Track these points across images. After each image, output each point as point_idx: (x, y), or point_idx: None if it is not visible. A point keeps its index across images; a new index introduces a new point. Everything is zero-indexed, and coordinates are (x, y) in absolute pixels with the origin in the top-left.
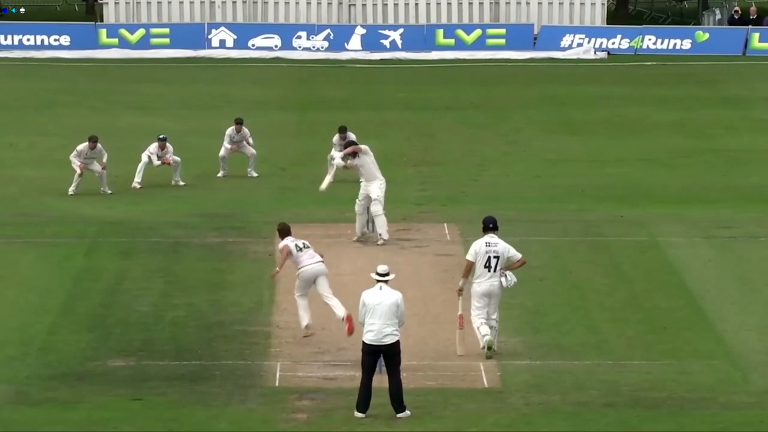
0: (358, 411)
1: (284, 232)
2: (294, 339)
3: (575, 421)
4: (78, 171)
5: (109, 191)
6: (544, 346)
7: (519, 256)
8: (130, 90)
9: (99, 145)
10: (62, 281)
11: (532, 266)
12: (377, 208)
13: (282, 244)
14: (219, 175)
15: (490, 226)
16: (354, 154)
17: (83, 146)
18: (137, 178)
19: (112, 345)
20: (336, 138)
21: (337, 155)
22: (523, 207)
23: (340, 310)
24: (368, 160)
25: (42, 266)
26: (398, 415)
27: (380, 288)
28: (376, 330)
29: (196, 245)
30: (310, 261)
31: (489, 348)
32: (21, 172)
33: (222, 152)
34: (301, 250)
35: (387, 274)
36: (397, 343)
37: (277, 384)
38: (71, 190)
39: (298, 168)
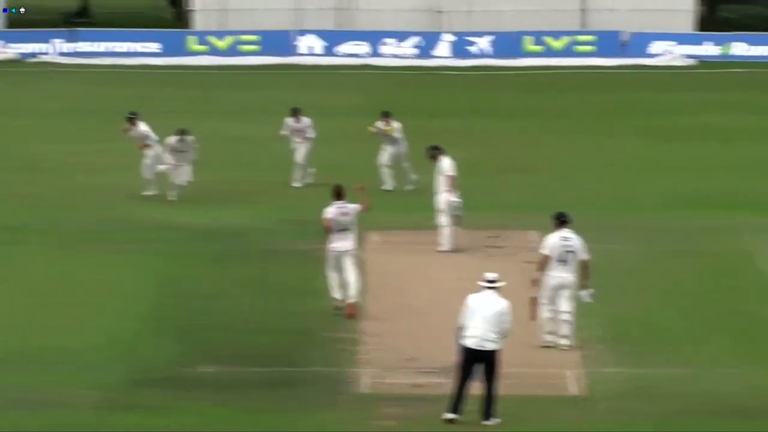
0: (448, 411)
1: (335, 194)
2: (382, 346)
3: (663, 430)
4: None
5: (174, 197)
6: (631, 355)
7: (587, 256)
8: (217, 97)
9: (189, 137)
10: (151, 287)
11: (621, 273)
12: (444, 220)
13: (329, 212)
14: (295, 185)
15: (564, 220)
16: (434, 158)
17: (173, 139)
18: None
19: (199, 351)
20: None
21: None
22: (612, 214)
23: (351, 292)
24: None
25: (131, 272)
26: (483, 423)
27: (487, 294)
28: (479, 335)
29: (285, 252)
30: (339, 243)
31: (557, 345)
32: (110, 178)
33: (297, 157)
34: (339, 231)
35: (495, 281)
36: (497, 351)
37: (365, 391)
38: (173, 194)
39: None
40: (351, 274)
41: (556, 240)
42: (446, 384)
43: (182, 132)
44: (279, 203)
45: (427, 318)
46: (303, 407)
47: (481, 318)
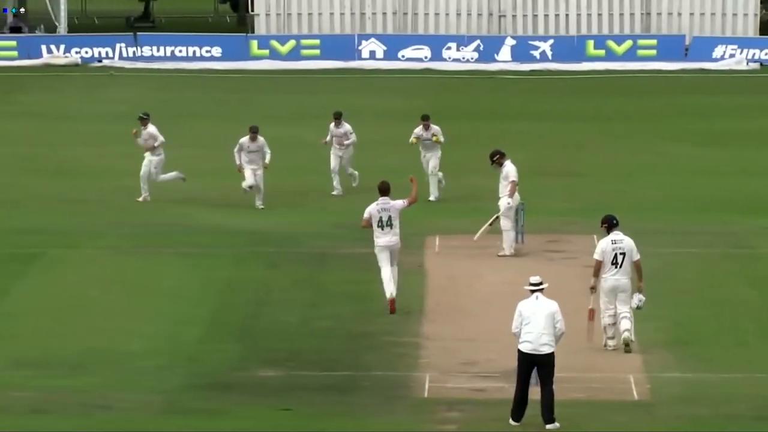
0: (513, 420)
1: (381, 190)
2: (443, 350)
3: None
4: (239, 170)
5: (261, 205)
6: (693, 359)
7: (638, 256)
8: (278, 101)
9: (261, 138)
10: (211, 291)
11: (679, 278)
12: (506, 224)
13: (368, 209)
14: (333, 193)
15: (614, 223)
16: (500, 163)
17: (244, 139)
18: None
19: (260, 355)
20: (419, 129)
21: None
22: (670, 218)
23: (391, 287)
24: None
25: (191, 276)
26: (548, 427)
27: (536, 298)
28: (533, 340)
29: (343, 256)
30: (382, 238)
31: (627, 345)
32: (166, 183)
33: (333, 164)
34: (382, 227)
35: (540, 284)
36: (553, 353)
37: (426, 395)
38: (244, 185)
39: (444, 179)
40: (390, 269)
41: (607, 244)
42: (507, 389)
43: (254, 131)
44: (336, 208)
45: (488, 322)
46: (363, 412)
47: (534, 322)
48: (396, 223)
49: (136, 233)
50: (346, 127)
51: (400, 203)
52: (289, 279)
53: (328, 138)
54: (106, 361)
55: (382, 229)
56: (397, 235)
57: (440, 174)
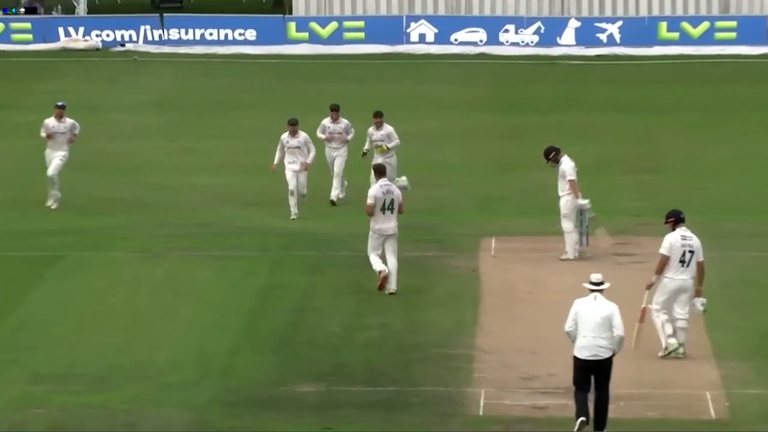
0: (579, 416)
1: (378, 172)
2: (499, 364)
3: None
4: (273, 169)
5: (295, 214)
6: None
7: (703, 258)
8: (318, 89)
9: (302, 133)
10: (244, 298)
11: (763, 285)
12: (568, 225)
13: (372, 192)
14: (335, 197)
15: (681, 217)
16: (556, 161)
17: (285, 134)
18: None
19: (299, 368)
20: (371, 128)
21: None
22: (753, 219)
23: (392, 283)
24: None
25: (222, 282)
26: None
27: (594, 298)
28: (589, 345)
29: None
30: (383, 224)
31: (675, 350)
32: (200, 179)
33: (336, 167)
34: (383, 210)
35: (601, 283)
36: (610, 359)
37: (480, 413)
38: (294, 211)
39: (501, 176)
40: (392, 260)
41: (676, 239)
42: (570, 406)
43: (293, 123)
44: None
45: (549, 333)
46: (412, 431)
47: (591, 324)
48: (396, 208)
49: (166, 234)
50: (345, 122)
51: (400, 192)
52: (330, 285)
53: (321, 134)
54: (130, 375)
55: (383, 213)
56: (396, 219)
57: (404, 179)
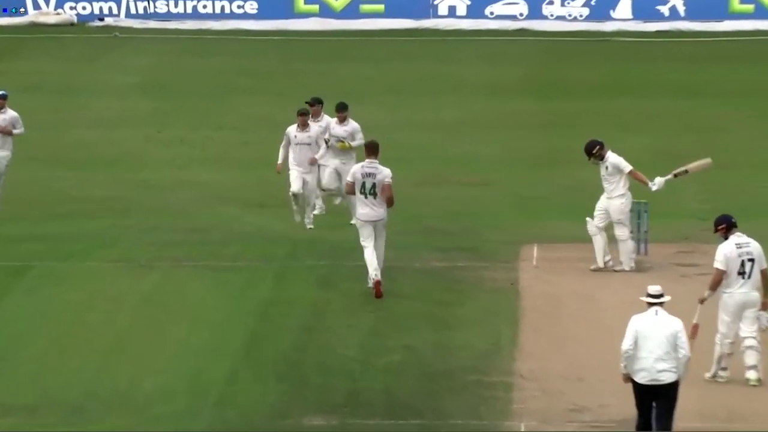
0: None
1: (368, 149)
2: (542, 392)
3: None
4: (278, 169)
5: (310, 224)
6: None
7: (767, 264)
8: (329, 71)
9: (314, 125)
10: (244, 316)
11: None
12: (623, 232)
13: (352, 170)
14: (315, 212)
15: (733, 223)
16: (601, 157)
17: (291, 127)
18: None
19: (307, 398)
20: (333, 122)
21: (658, 180)
22: None
23: (372, 269)
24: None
25: (219, 296)
26: None
27: (655, 313)
28: (650, 367)
29: (415, 271)
30: (364, 209)
31: (753, 379)
32: (193, 175)
33: (324, 179)
34: (365, 195)
35: (661, 296)
36: (676, 383)
37: None
38: (291, 191)
39: (544, 172)
40: (378, 248)
41: (731, 249)
42: None
43: (303, 114)
44: (404, 207)
45: (600, 357)
46: None
47: (652, 344)
48: (380, 195)
49: (154, 241)
50: (314, 130)
51: (388, 174)
52: (344, 300)
53: (327, 137)
54: (111, 405)
55: (365, 197)
56: (383, 206)
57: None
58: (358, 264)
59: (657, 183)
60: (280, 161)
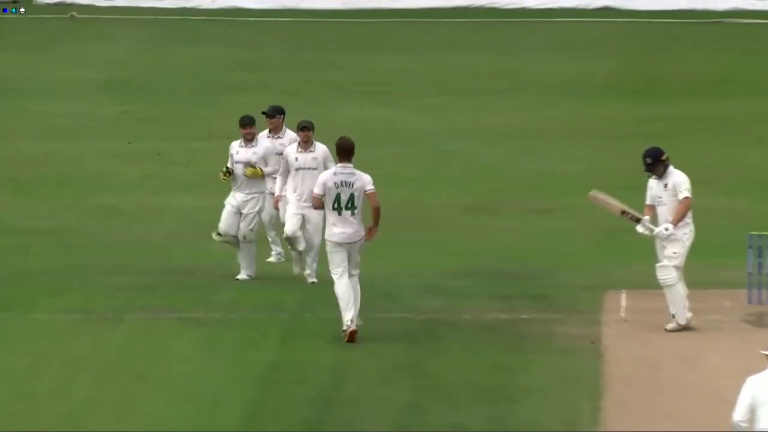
0: None
1: (341, 151)
2: None
3: None
4: (275, 202)
5: (312, 277)
6: None
7: None
8: (352, 62)
9: (321, 146)
10: (243, 384)
11: None
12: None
13: (321, 179)
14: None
15: None
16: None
17: (290, 148)
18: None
19: None
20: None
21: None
22: None
23: (348, 312)
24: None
25: (209, 359)
26: None
27: None
28: None
29: (466, 324)
30: (338, 227)
31: None
32: (173, 199)
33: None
34: (339, 210)
35: None
36: None
37: None
38: (311, 274)
39: (634, 195)
40: (353, 280)
41: None
42: None
43: (306, 128)
44: (452, 242)
45: None
46: None
47: None
48: (359, 207)
49: (122, 285)
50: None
51: (369, 180)
52: (373, 362)
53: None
54: None
55: (339, 213)
56: (360, 224)
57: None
58: (391, 316)
59: (657, 229)
60: (278, 192)
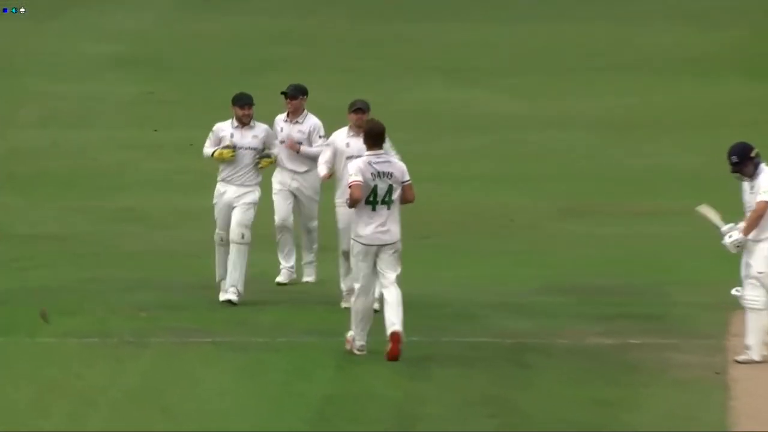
0: None
1: (370, 137)
2: None
3: None
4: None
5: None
6: None
7: None
8: (427, 35)
9: (385, 146)
10: (291, 420)
11: None
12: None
13: (358, 171)
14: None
15: None
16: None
17: (341, 131)
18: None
19: None
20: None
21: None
22: None
23: (394, 317)
24: None
25: (251, 390)
26: None
27: None
28: None
29: (562, 351)
30: (370, 228)
31: None
32: (206, 200)
33: (280, 212)
34: (374, 205)
35: None
36: None
37: None
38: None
39: None
40: (391, 293)
41: None
42: None
43: (361, 109)
44: (543, 252)
45: None
46: None
47: None
48: (397, 201)
49: (146, 303)
50: (313, 121)
51: (405, 169)
52: (448, 395)
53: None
54: None
55: (374, 209)
56: (396, 223)
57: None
58: (469, 340)
59: (733, 234)
60: (325, 172)
